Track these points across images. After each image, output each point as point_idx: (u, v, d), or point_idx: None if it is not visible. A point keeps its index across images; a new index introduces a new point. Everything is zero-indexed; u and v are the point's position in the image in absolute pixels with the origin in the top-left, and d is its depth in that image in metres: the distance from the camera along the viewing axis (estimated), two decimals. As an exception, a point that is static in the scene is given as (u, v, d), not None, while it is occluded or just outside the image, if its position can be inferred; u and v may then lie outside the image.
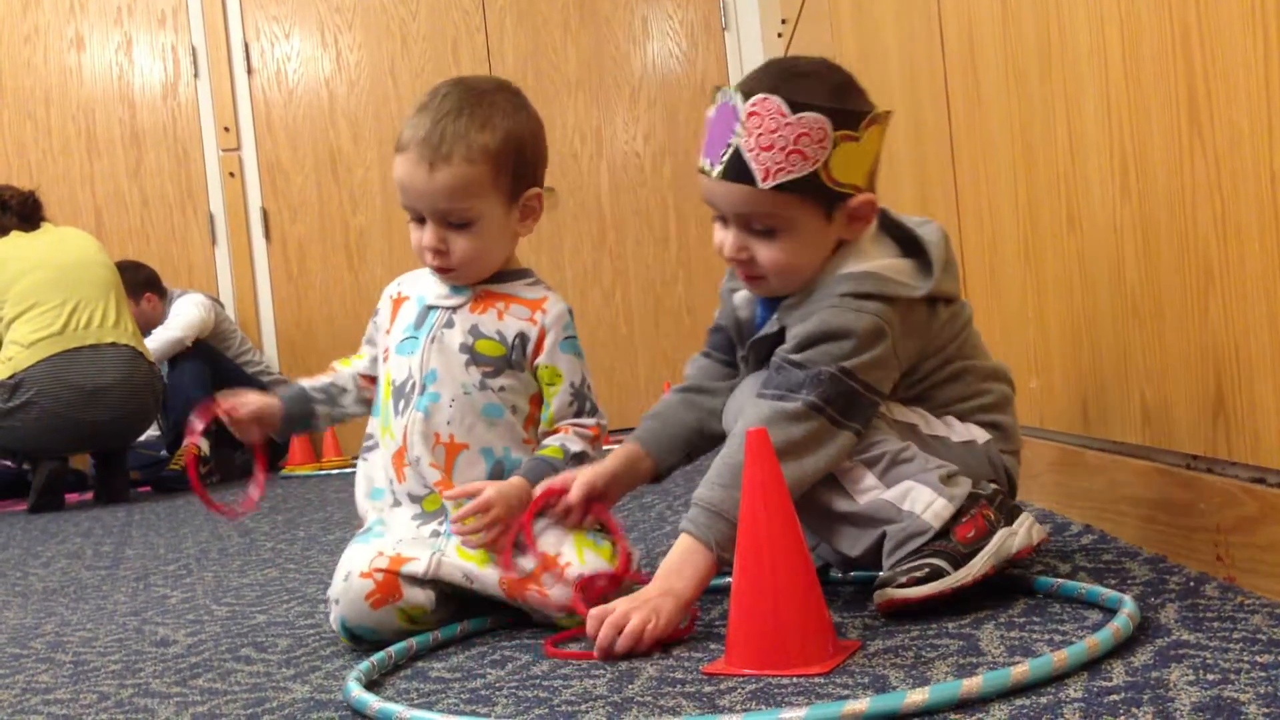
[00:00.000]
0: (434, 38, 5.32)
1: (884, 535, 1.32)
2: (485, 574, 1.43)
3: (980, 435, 1.42)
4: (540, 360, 1.48)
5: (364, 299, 5.26)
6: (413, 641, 1.36)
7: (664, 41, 5.40)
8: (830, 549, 1.42)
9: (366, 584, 1.41)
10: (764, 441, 1.14)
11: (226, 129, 5.29)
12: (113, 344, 3.86)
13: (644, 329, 5.37)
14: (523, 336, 1.48)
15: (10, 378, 3.75)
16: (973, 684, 0.95)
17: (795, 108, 1.30)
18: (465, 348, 1.47)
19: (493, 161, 1.45)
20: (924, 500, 1.31)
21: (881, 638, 1.20)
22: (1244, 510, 1.20)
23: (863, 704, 0.94)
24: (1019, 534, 1.32)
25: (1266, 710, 0.85)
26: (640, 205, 5.37)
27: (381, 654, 1.30)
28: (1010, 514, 1.34)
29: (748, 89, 1.33)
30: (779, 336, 1.39)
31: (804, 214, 1.34)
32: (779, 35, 4.51)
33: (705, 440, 1.55)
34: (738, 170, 1.32)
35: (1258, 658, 0.98)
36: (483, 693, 1.17)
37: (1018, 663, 1.01)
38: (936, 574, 1.26)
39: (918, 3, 2.36)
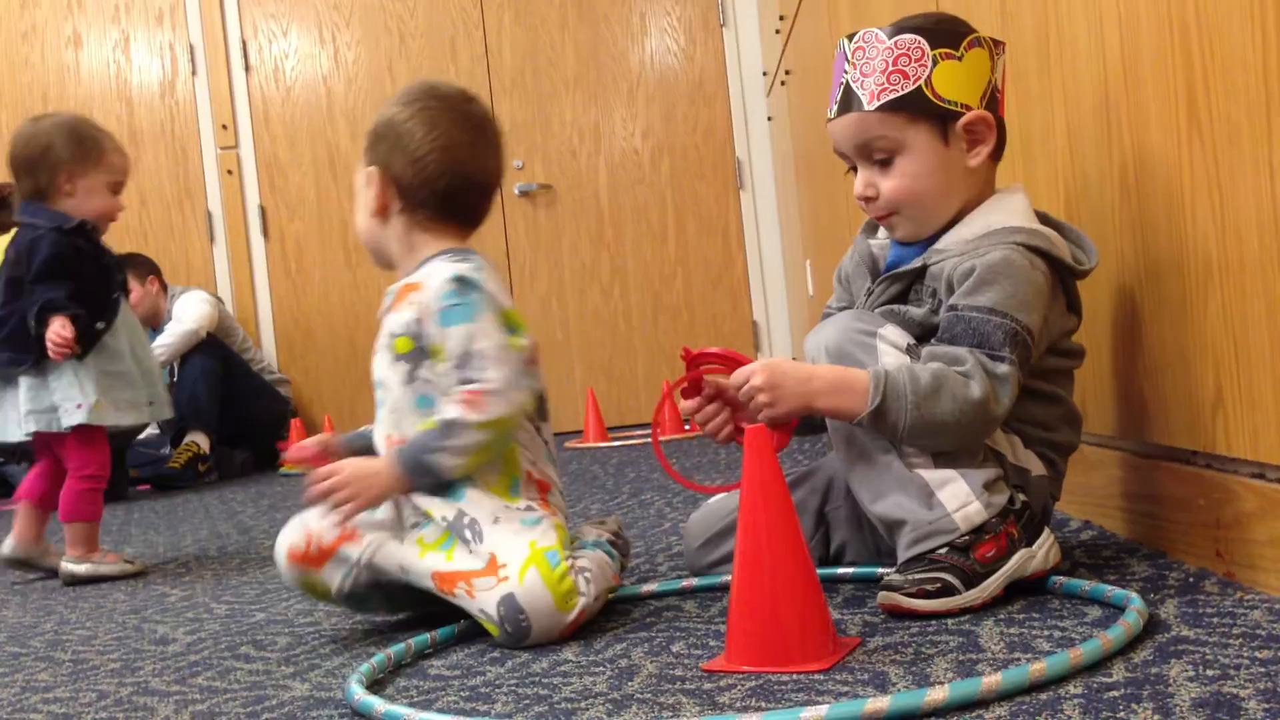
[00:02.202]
0: (432, 35, 5.32)
1: (905, 522, 1.29)
2: (421, 566, 1.43)
3: (1037, 467, 1.39)
4: (432, 340, 1.44)
5: (362, 296, 5.26)
6: (411, 642, 1.35)
7: (662, 38, 5.40)
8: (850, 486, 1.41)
9: (297, 541, 1.48)
10: (765, 438, 1.14)
11: (224, 126, 5.29)
12: (110, 343, 3.85)
13: (642, 326, 5.37)
14: (418, 321, 1.45)
15: (8, 376, 3.74)
16: (992, 681, 0.95)
17: (892, 33, 1.37)
18: (389, 348, 1.48)
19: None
20: (959, 498, 1.28)
21: (881, 634, 1.20)
22: (1243, 506, 1.21)
23: (883, 702, 0.93)
24: (1037, 556, 1.30)
25: (1266, 706, 0.85)
26: (639, 202, 5.37)
27: (381, 656, 1.28)
28: (1034, 532, 1.31)
29: (851, 34, 1.40)
30: (920, 273, 1.40)
31: (916, 134, 1.37)
32: (777, 32, 4.50)
33: None
34: (848, 101, 1.39)
35: (1257, 653, 0.98)
36: (482, 690, 1.17)
37: (1034, 659, 1.01)
38: (947, 591, 1.24)
39: (916, 0, 2.35)
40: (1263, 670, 0.94)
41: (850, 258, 1.56)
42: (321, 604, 1.65)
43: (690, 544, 1.59)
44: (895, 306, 1.41)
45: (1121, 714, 0.87)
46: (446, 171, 1.49)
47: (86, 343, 2.27)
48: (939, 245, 1.40)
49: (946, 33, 1.37)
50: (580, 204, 5.37)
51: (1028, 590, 1.31)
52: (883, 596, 1.27)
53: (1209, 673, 0.94)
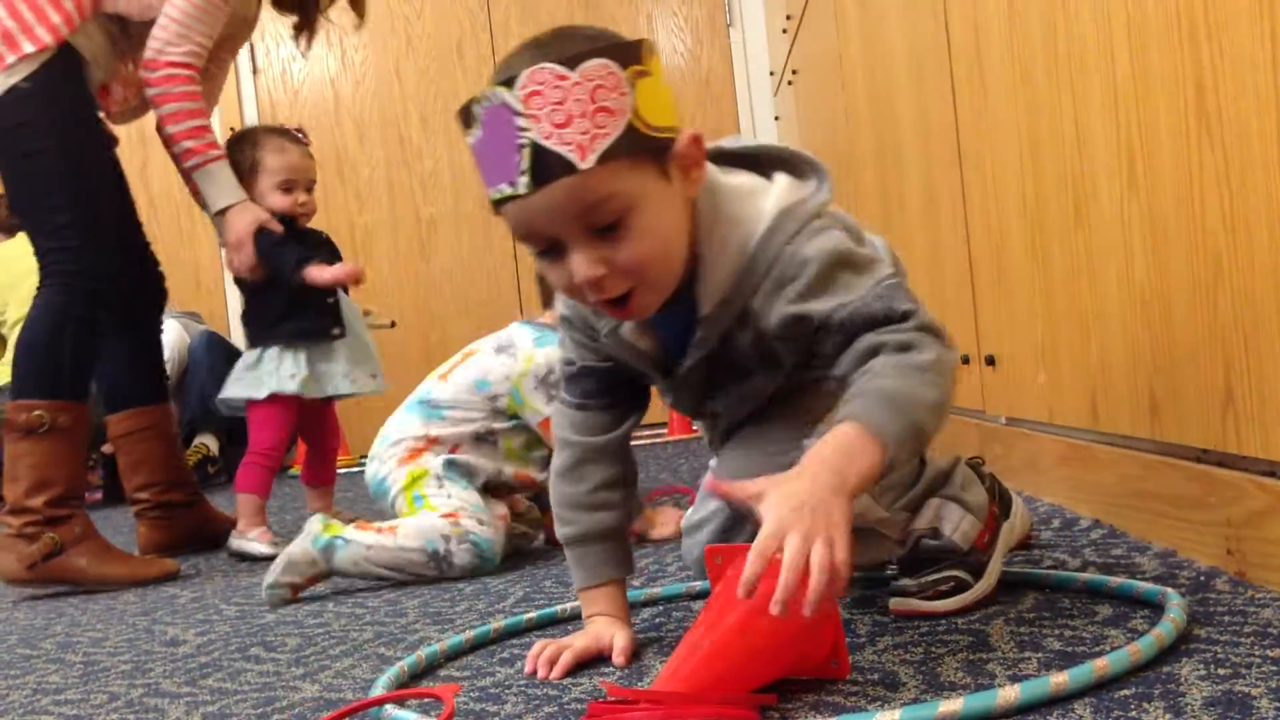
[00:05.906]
0: (439, 37, 5.32)
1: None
2: None
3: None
4: None
5: (370, 297, 5.26)
6: (421, 653, 1.31)
7: (669, 39, 5.40)
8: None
9: None
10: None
11: (232, 129, 5.28)
12: (119, 345, 3.86)
13: (650, 326, 5.36)
14: None
15: (17, 380, 3.75)
16: (1060, 680, 0.93)
17: (570, 64, 1.03)
18: None
19: None
20: (953, 521, 1.28)
21: (891, 634, 1.20)
22: (1254, 504, 1.20)
23: (957, 704, 0.91)
24: (1016, 525, 1.34)
25: (1278, 705, 0.85)
26: (646, 203, 5.37)
27: (395, 669, 1.25)
28: (1006, 503, 1.35)
29: (506, 78, 1.04)
30: (754, 343, 1.16)
31: (641, 180, 1.06)
32: (783, 31, 4.50)
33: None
34: (548, 167, 1.03)
35: (1269, 652, 0.98)
36: (492, 690, 1.17)
37: (1098, 654, 1.02)
38: (961, 587, 1.26)
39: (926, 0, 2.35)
40: (1274, 669, 0.93)
41: (578, 354, 1.29)
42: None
43: (689, 550, 1.57)
44: (728, 380, 1.21)
45: (1133, 713, 0.87)
46: None
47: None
48: (711, 312, 1.15)
49: (626, 46, 1.07)
50: (588, 205, 5.37)
51: (1039, 587, 1.31)
52: (896, 602, 1.27)
53: (1220, 671, 0.94)
